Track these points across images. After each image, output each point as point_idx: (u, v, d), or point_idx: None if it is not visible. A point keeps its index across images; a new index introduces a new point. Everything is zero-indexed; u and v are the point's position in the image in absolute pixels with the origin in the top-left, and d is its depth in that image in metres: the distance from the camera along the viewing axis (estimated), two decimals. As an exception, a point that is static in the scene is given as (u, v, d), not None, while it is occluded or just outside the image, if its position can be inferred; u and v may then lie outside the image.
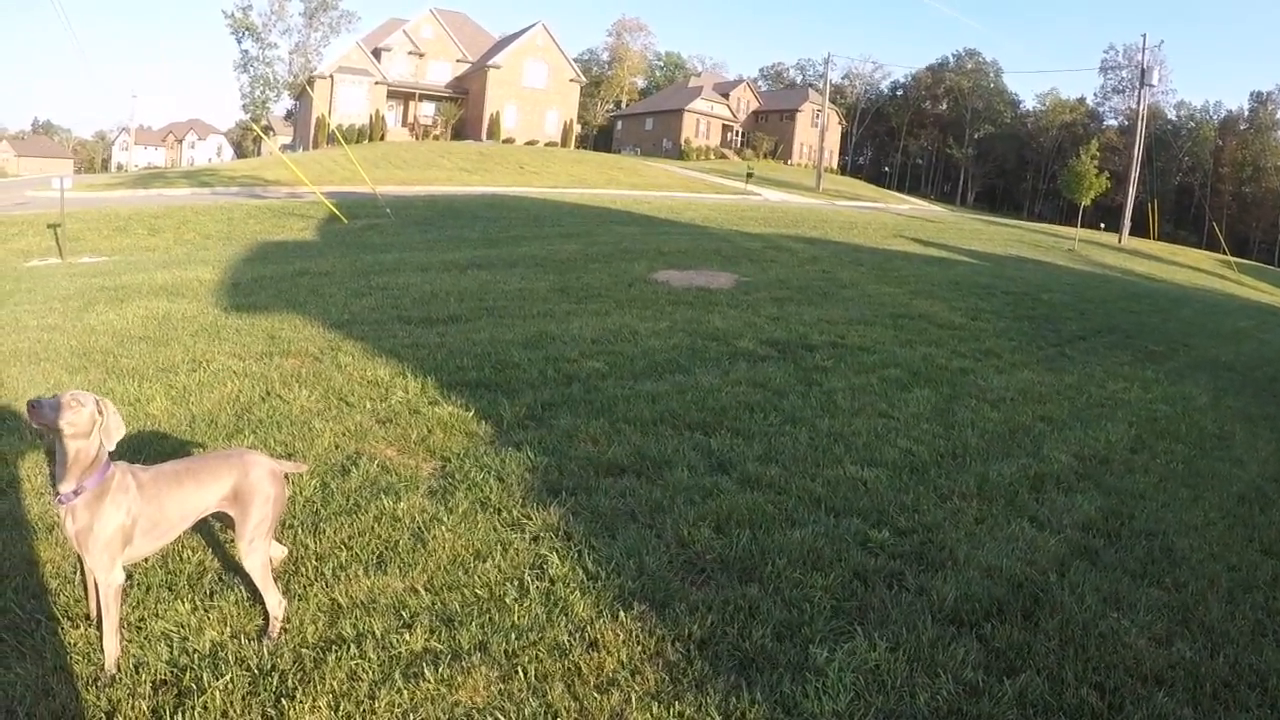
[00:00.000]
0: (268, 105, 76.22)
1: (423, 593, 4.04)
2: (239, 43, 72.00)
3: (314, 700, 3.29)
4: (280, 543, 4.18)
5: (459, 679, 3.46)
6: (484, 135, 70.62)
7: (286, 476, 4.08)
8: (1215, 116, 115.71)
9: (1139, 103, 59.01)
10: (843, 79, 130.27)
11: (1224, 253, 57.24)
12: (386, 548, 4.45)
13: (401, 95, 73.11)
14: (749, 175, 55.23)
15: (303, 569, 4.19)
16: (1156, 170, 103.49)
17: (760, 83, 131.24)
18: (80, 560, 3.76)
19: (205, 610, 3.83)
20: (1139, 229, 59.36)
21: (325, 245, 18.50)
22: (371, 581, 4.11)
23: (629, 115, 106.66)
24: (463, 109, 74.90)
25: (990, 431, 7.28)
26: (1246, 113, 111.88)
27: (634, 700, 3.39)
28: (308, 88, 61.40)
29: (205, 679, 3.38)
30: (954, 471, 6.16)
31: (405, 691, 3.37)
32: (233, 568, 4.16)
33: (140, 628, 3.68)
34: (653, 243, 19.56)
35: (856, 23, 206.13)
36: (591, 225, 23.69)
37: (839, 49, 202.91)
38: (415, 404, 6.80)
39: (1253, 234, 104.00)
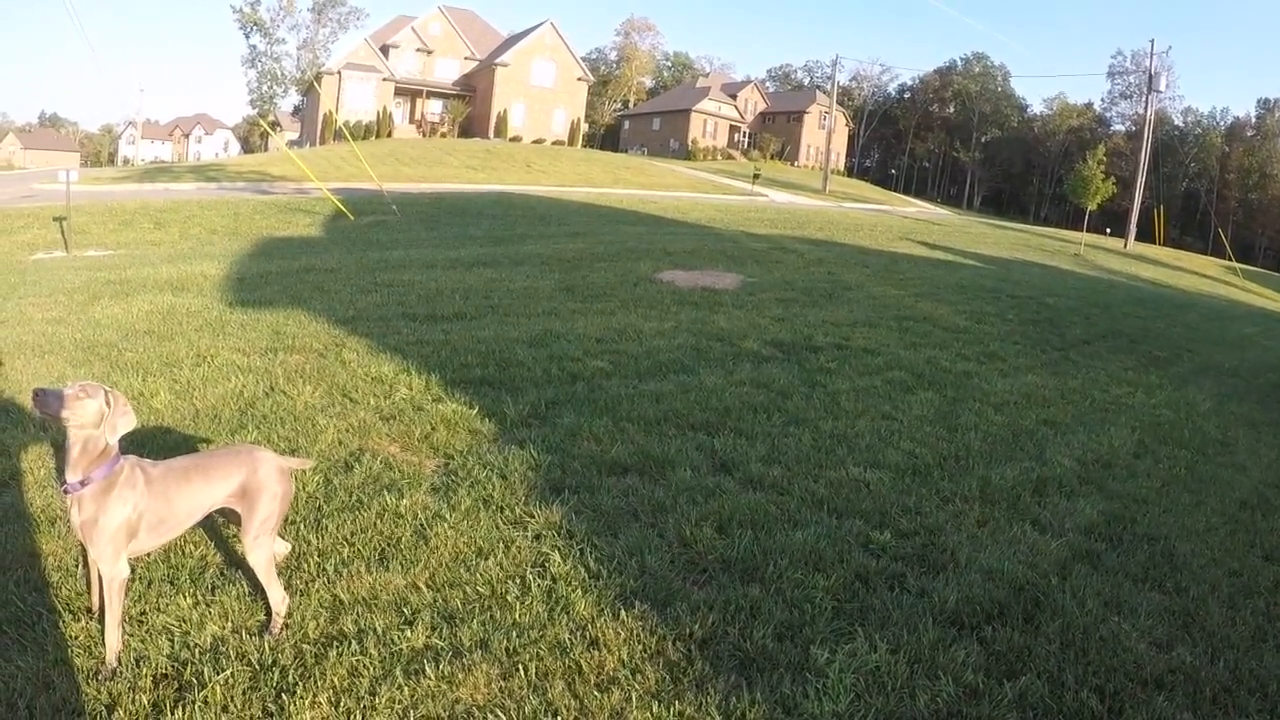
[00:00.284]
0: (275, 101, 76.06)
1: (424, 590, 4.04)
2: (247, 38, 71.61)
3: (314, 696, 3.29)
4: (283, 539, 4.18)
5: (460, 676, 3.45)
6: (491, 133, 70.64)
7: (292, 473, 4.07)
8: (1222, 123, 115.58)
9: (1146, 108, 58.79)
10: (850, 81, 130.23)
11: (1229, 259, 57.12)
12: (389, 544, 4.45)
13: (409, 92, 73.19)
14: (755, 176, 55.13)
15: (305, 565, 4.19)
16: (1163, 176, 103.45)
17: (768, 84, 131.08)
18: (83, 552, 3.77)
19: (207, 605, 3.82)
20: (1145, 234, 59.27)
21: (331, 241, 18.55)
22: (373, 578, 4.11)
23: (636, 115, 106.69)
24: (470, 107, 74.98)
25: (993, 435, 7.28)
26: (1253, 119, 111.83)
27: (634, 699, 3.39)
28: (315, 84, 61.27)
29: (206, 673, 3.37)
30: (957, 474, 6.15)
31: (406, 688, 3.36)
32: (235, 563, 4.16)
33: (141, 621, 3.68)
34: (659, 242, 19.58)
35: (864, 25, 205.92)
36: (597, 224, 23.72)
37: (847, 51, 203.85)
38: (419, 401, 6.80)
39: (1258, 240, 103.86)
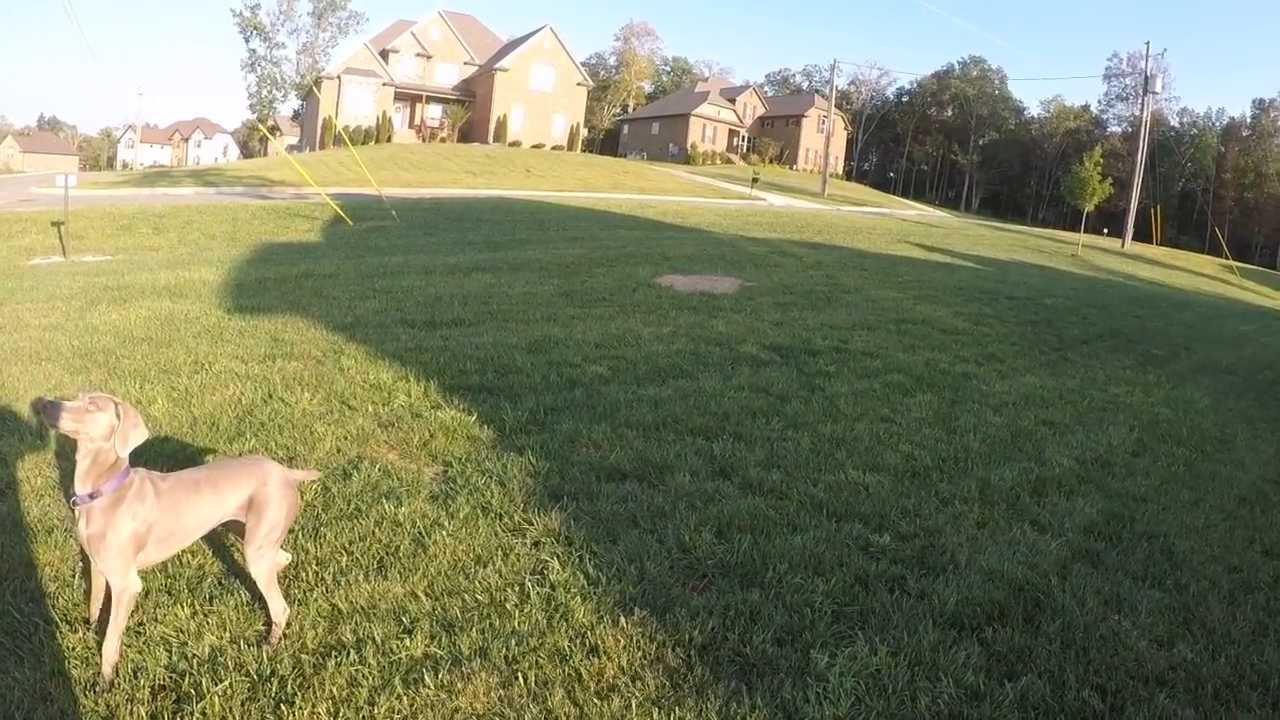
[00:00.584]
0: (274, 105, 75.94)
1: (423, 598, 4.02)
2: (247, 42, 71.24)
3: (313, 706, 3.26)
4: (284, 550, 4.15)
5: (459, 685, 3.43)
6: (490, 138, 70.66)
7: (298, 485, 4.06)
8: (1218, 123, 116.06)
9: (1142, 110, 59.00)
10: (849, 85, 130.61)
11: (1226, 257, 57.11)
12: (387, 553, 4.42)
13: (409, 97, 73.11)
14: (754, 180, 55.22)
15: (303, 574, 4.17)
16: (1159, 176, 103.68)
17: (766, 88, 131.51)
18: (85, 564, 3.76)
19: (205, 615, 3.80)
20: (1142, 234, 59.29)
21: (330, 247, 18.54)
22: (372, 587, 4.08)
23: (635, 119, 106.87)
24: (470, 111, 75.01)
25: (992, 436, 7.26)
26: (1249, 119, 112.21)
27: (634, 706, 3.37)
28: (314, 88, 61.25)
29: (204, 684, 3.35)
30: (956, 476, 6.13)
31: (405, 698, 3.34)
32: (232, 572, 4.14)
33: (139, 633, 3.65)
34: (658, 247, 19.58)
35: (863, 29, 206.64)
36: (596, 229, 23.72)
37: (845, 55, 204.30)
38: (417, 408, 6.78)
39: (1255, 239, 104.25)
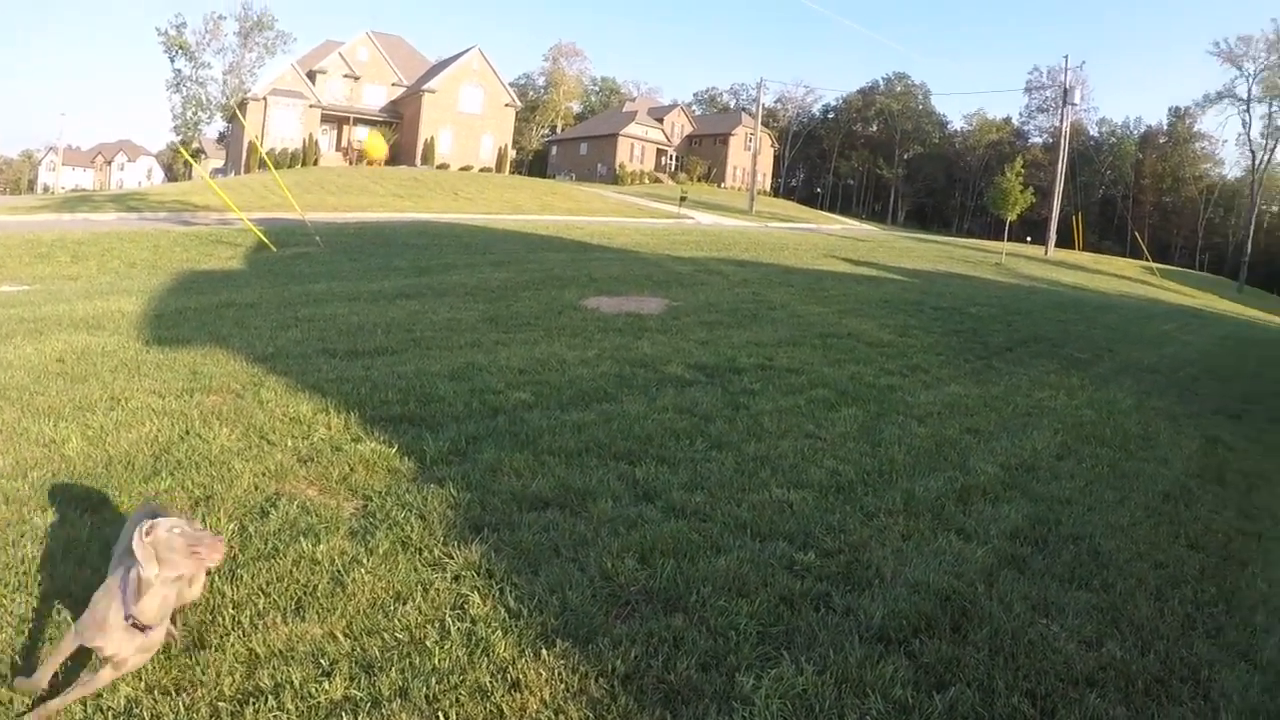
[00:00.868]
0: (200, 127, 74.86)
1: (342, 639, 3.91)
2: (172, 61, 70.34)
3: (226, 759, 3.17)
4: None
5: (379, 728, 3.34)
6: (418, 160, 70.56)
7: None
8: (1136, 131, 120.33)
9: (1062, 120, 60.82)
10: (775, 103, 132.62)
11: (1147, 260, 58.68)
12: (305, 593, 4.30)
13: (336, 119, 72.63)
14: (682, 199, 55.73)
15: (220, 618, 4.03)
16: (1080, 184, 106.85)
17: (694, 107, 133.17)
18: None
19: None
20: (1065, 241, 60.76)
21: (253, 275, 18.29)
22: (290, 629, 3.97)
23: (564, 140, 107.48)
24: (397, 134, 74.75)
25: (917, 447, 7.31)
26: (1166, 127, 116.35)
27: (557, 740, 3.31)
28: (238, 112, 60.52)
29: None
30: (881, 489, 6.16)
31: (324, 744, 3.25)
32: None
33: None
34: (584, 269, 19.56)
35: (790, 48, 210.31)
36: (523, 252, 23.68)
37: (772, 74, 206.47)
38: (338, 441, 6.64)
39: (1174, 240, 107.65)
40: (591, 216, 43.95)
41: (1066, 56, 58.39)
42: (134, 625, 3.21)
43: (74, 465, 5.83)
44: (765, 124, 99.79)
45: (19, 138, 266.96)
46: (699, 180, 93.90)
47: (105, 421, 6.81)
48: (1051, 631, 4.30)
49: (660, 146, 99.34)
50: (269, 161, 36.94)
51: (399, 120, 75.53)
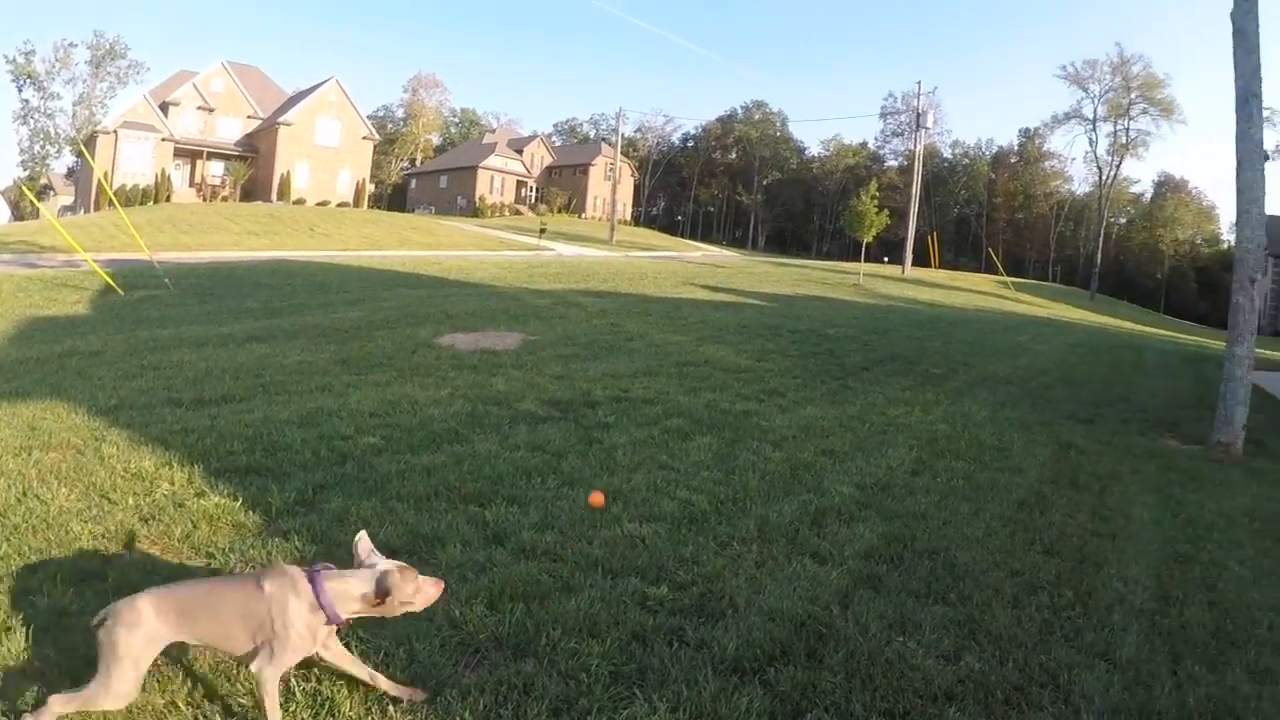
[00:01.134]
0: (48, 162, 71.47)
1: (184, 708, 3.69)
2: (19, 91, 67.12)
3: None
4: None
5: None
6: (274, 196, 68.58)
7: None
8: (988, 152, 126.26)
9: (916, 144, 63.17)
10: (635, 132, 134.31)
11: (1001, 274, 61.09)
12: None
13: (189, 153, 69.90)
14: (542, 231, 55.98)
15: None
16: (935, 205, 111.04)
17: (554, 137, 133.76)
18: None
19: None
20: (922, 259, 62.97)
21: (98, 320, 17.52)
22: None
23: (423, 173, 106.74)
24: (253, 168, 72.49)
25: (771, 472, 7.34)
26: (1016, 147, 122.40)
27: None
28: (84, 148, 57.82)
29: None
30: (734, 517, 6.14)
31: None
32: None
33: None
34: (440, 305, 19.31)
35: (649, 77, 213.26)
36: (379, 290, 23.25)
37: (632, 103, 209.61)
38: (181, 497, 6.30)
39: (1027, 255, 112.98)
40: (450, 251, 43.59)
41: (919, 82, 60.74)
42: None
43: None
44: (625, 153, 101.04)
45: None
46: (560, 211, 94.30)
47: (-63, 487, 6.36)
48: (909, 649, 4.31)
49: (520, 178, 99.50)
50: (115, 200, 35.40)
51: (254, 154, 73.39)
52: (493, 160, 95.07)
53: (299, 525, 5.75)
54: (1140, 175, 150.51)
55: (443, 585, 3.80)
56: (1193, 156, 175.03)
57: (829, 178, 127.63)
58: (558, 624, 4.43)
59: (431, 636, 4.31)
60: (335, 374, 11.45)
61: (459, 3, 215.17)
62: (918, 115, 60.88)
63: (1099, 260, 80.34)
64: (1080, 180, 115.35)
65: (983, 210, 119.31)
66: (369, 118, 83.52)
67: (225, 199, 68.01)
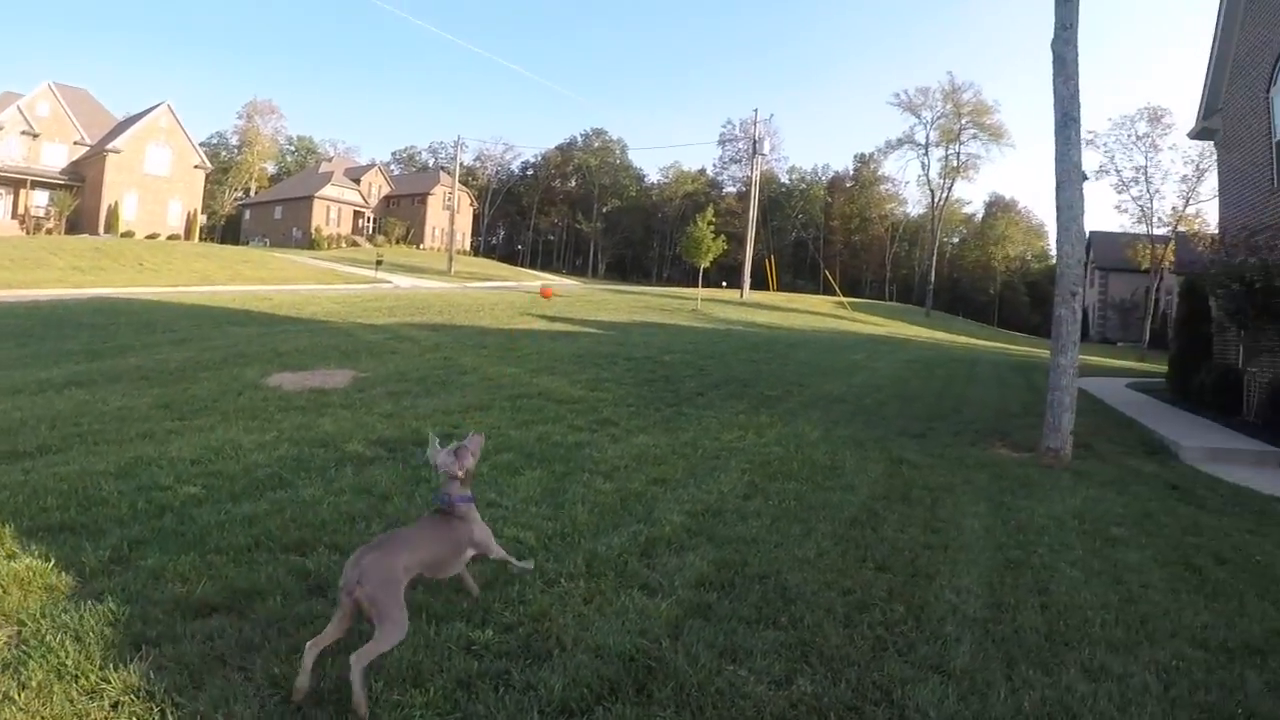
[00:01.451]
0: None
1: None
2: None
3: None
4: None
5: None
6: (102, 228, 65.54)
7: None
8: (824, 177, 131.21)
9: (753, 170, 64.98)
10: (474, 160, 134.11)
11: (837, 295, 62.97)
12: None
13: (12, 182, 65.82)
14: (378, 263, 55.43)
15: None
16: (774, 229, 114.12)
17: (393, 166, 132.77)
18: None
19: None
20: (760, 283, 64.43)
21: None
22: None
23: (258, 204, 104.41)
24: (79, 198, 68.97)
25: (601, 504, 7.29)
26: (852, 172, 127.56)
27: None
28: None
29: None
30: (562, 552, 6.06)
31: None
32: None
33: None
34: (270, 343, 18.70)
35: (489, 105, 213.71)
36: (208, 328, 22.36)
37: (470, 131, 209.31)
38: (-9, 560, 5.90)
39: (864, 275, 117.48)
40: (284, 285, 42.48)
41: (756, 110, 62.96)
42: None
43: None
44: (464, 182, 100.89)
45: None
46: (398, 242, 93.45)
47: None
48: (740, 677, 4.30)
49: (358, 208, 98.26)
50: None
51: (81, 183, 69.90)
52: (329, 190, 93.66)
53: (113, 585, 5.42)
54: (972, 196, 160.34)
55: (481, 437, 5.42)
56: (1022, 177, 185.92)
57: (668, 204, 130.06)
58: (380, 675, 4.28)
59: (250, 698, 4.11)
60: (157, 420, 10.94)
61: (295, 26, 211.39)
62: (754, 142, 62.75)
63: (933, 278, 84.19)
64: (914, 202, 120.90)
65: (820, 233, 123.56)
66: (201, 145, 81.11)
67: (50, 231, 64.52)
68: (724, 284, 59.41)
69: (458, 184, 79.09)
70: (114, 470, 8.29)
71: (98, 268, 44.26)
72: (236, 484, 7.85)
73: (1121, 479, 10.08)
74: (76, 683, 4.27)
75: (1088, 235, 79.51)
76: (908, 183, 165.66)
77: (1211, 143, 22.43)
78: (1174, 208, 60.63)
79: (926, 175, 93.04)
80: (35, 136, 68.83)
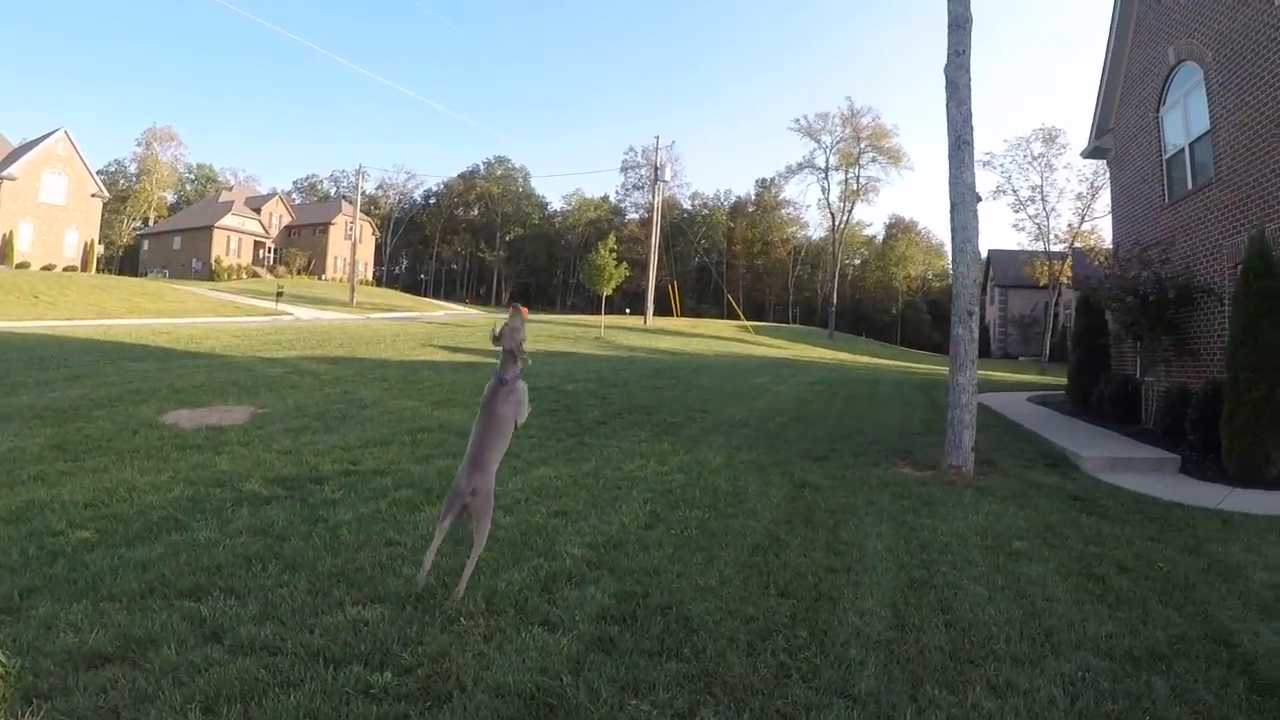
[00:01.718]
0: None
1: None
2: None
3: None
4: None
5: None
6: None
7: None
8: (726, 202, 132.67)
9: (655, 196, 65.42)
10: (377, 189, 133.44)
11: (741, 319, 63.61)
12: None
13: None
14: (279, 294, 54.61)
15: None
16: (677, 255, 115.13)
17: (294, 195, 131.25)
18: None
19: None
20: (664, 309, 64.83)
21: None
22: None
23: (157, 234, 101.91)
24: None
25: (501, 538, 7.20)
26: (754, 196, 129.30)
27: None
28: None
29: None
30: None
31: None
32: None
33: None
34: (167, 379, 18.16)
35: (391, 132, 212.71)
36: (104, 364, 21.62)
37: (372, 159, 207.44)
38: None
39: (768, 299, 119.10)
40: (183, 318, 41.45)
41: (658, 137, 63.60)
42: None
43: None
44: (366, 211, 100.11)
45: None
46: (299, 272, 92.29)
47: None
48: (643, 711, 4.27)
49: (258, 238, 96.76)
50: None
51: None
52: (229, 220, 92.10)
53: (4, 636, 5.20)
54: (873, 218, 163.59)
55: (525, 309, 6.94)
56: (921, 198, 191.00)
57: (571, 231, 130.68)
58: (275, 728, 4.17)
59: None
60: (50, 461, 10.54)
61: (194, 52, 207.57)
62: (656, 169, 63.38)
63: (836, 300, 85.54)
64: (816, 225, 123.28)
65: (723, 258, 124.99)
66: (99, 173, 78.90)
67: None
68: (628, 310, 59.73)
69: (360, 213, 78.30)
70: (4, 515, 8.02)
71: (-11, 302, 42.75)
72: (130, 527, 7.61)
73: (1024, 493, 10.27)
74: (-39, 747, 4.11)
75: (986, 254, 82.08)
76: (809, 206, 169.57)
77: (1104, 161, 23.18)
78: (1070, 225, 62.67)
79: (827, 199, 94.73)
80: (-73, 164, 66.60)
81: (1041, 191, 62.60)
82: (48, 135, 71.99)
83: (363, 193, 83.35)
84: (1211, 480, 11.69)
